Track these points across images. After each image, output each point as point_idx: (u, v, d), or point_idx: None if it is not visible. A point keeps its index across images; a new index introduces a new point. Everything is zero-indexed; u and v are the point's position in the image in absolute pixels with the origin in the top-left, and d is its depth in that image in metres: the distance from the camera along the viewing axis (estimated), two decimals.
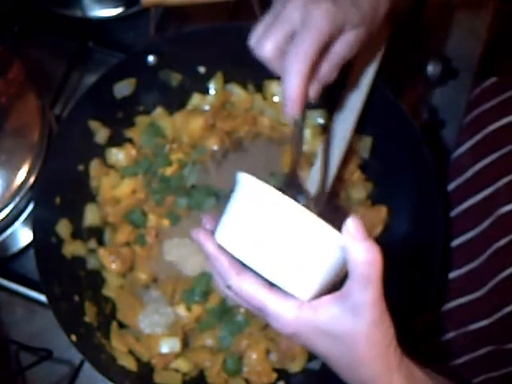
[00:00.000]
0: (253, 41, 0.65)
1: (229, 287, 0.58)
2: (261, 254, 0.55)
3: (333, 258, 0.55)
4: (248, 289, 0.56)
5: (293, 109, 0.63)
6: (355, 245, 0.53)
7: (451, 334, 0.85)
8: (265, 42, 0.63)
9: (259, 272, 0.56)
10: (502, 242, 0.78)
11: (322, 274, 0.56)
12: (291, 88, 0.62)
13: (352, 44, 0.66)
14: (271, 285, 0.56)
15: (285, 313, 0.55)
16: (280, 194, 0.55)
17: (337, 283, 0.57)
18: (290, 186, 0.67)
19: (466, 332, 0.82)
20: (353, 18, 0.64)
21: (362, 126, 0.83)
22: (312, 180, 0.82)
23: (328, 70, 0.66)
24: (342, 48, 0.66)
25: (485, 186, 0.82)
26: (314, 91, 0.66)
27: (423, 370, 0.60)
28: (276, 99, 0.91)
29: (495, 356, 0.79)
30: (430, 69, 0.98)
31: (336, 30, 0.63)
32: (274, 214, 0.55)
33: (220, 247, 0.58)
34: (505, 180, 0.80)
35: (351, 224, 0.53)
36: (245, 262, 0.56)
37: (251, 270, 0.57)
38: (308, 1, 0.62)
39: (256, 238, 0.55)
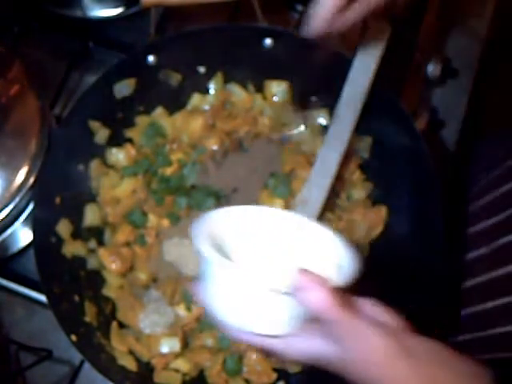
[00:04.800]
0: None
1: None
2: None
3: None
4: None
5: (316, 28, 0.68)
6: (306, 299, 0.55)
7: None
8: None
9: None
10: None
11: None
12: (324, 8, 0.67)
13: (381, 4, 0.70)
14: None
15: None
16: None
17: None
18: None
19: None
20: None
21: (361, 126, 0.83)
22: (310, 182, 0.82)
23: (356, 13, 0.69)
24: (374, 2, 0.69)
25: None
26: (340, 23, 0.69)
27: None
28: (276, 99, 0.91)
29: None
30: (430, 69, 0.98)
31: None
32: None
33: None
34: None
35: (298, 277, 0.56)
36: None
37: None
38: None
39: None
